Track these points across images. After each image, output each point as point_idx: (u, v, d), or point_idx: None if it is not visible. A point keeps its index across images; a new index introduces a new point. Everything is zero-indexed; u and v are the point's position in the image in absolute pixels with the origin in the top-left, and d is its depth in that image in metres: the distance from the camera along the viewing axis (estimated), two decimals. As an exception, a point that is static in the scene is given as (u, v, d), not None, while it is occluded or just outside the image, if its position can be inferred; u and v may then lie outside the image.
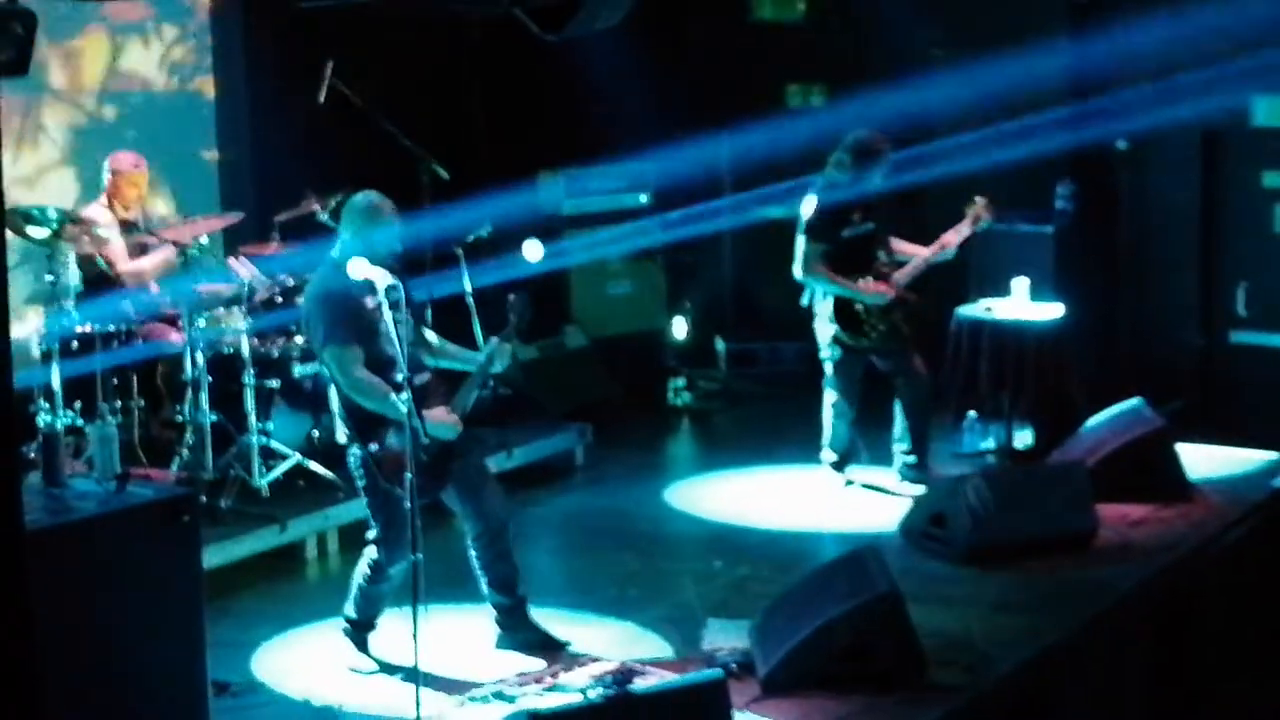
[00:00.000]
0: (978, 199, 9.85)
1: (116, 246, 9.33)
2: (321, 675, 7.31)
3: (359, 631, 7.35)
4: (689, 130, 12.22)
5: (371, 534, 7.26)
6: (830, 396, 9.86)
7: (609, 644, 7.50)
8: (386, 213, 7.27)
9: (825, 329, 9.73)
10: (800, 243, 9.60)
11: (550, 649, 7.36)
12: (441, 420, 7.10)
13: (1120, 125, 11.78)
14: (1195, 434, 10.01)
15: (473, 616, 7.87)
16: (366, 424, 6.96)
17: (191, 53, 11.14)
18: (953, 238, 9.79)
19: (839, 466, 9.97)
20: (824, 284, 9.60)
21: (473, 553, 7.43)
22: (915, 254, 9.79)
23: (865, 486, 9.93)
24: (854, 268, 9.62)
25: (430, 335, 7.58)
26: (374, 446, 6.87)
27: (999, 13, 12.09)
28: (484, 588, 7.47)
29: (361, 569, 7.31)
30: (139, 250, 9.53)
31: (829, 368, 9.83)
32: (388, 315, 6.75)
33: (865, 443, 10.06)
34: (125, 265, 9.36)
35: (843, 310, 9.62)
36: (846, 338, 9.65)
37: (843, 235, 9.61)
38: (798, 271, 9.64)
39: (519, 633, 7.47)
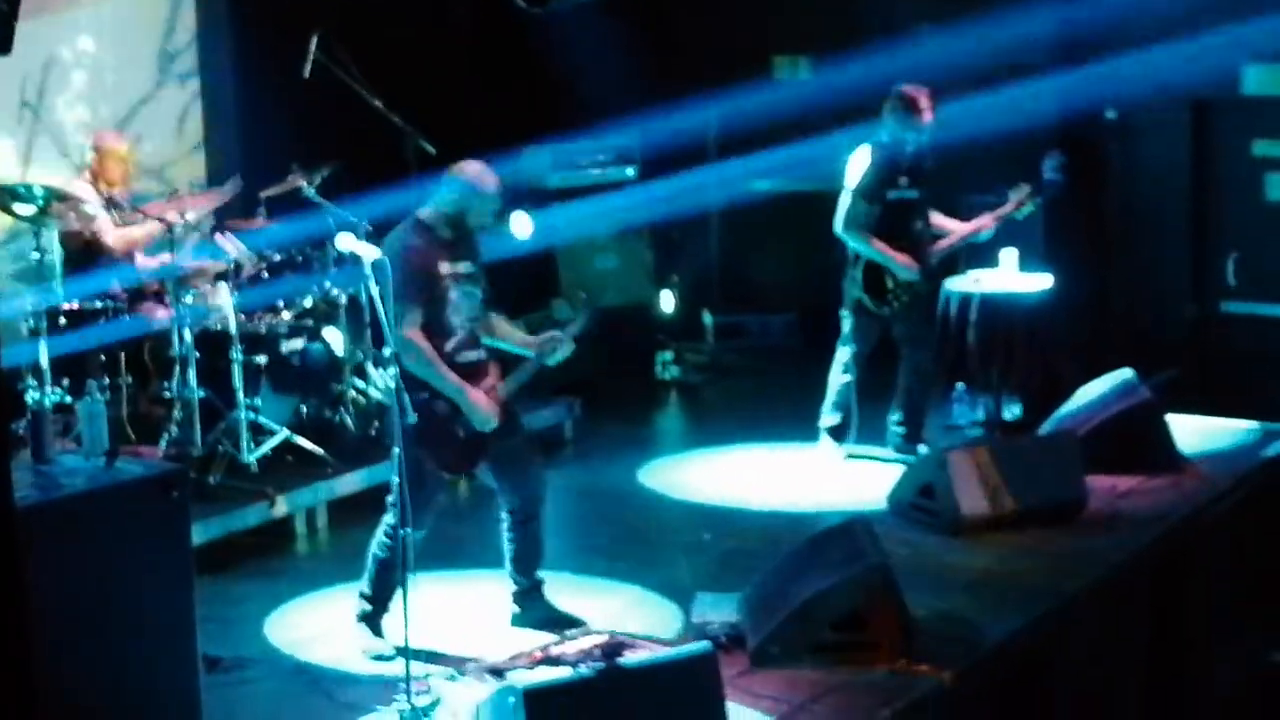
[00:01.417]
0: (1023, 184, 9.86)
1: (103, 220, 9.30)
2: (313, 649, 7.32)
3: (375, 612, 7.28)
4: (676, 103, 12.21)
5: (391, 496, 7.19)
6: (842, 354, 9.84)
7: (598, 617, 7.49)
8: (491, 186, 7.26)
9: (851, 290, 9.71)
10: (847, 198, 9.58)
11: (564, 627, 7.34)
12: (481, 410, 7.09)
13: (1109, 94, 11.78)
14: (1185, 404, 10.01)
15: (464, 591, 7.88)
16: (413, 389, 6.91)
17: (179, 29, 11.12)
18: (990, 220, 9.81)
19: (838, 434, 9.93)
20: (861, 244, 9.57)
21: (503, 527, 7.44)
22: (952, 230, 9.79)
23: (859, 457, 9.90)
24: (893, 232, 9.60)
25: (494, 314, 7.54)
26: (413, 418, 6.82)
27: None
28: (506, 564, 7.48)
29: (377, 537, 7.25)
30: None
31: (846, 326, 9.81)
32: (374, 289, 6.72)
33: (860, 417, 10.00)
34: (113, 235, 9.31)
35: (871, 275, 9.61)
36: (870, 303, 9.64)
37: (889, 197, 9.58)
38: (838, 226, 9.61)
39: (534, 612, 7.48)
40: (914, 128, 9.54)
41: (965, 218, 10.06)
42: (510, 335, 7.52)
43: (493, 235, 10.24)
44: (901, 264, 9.60)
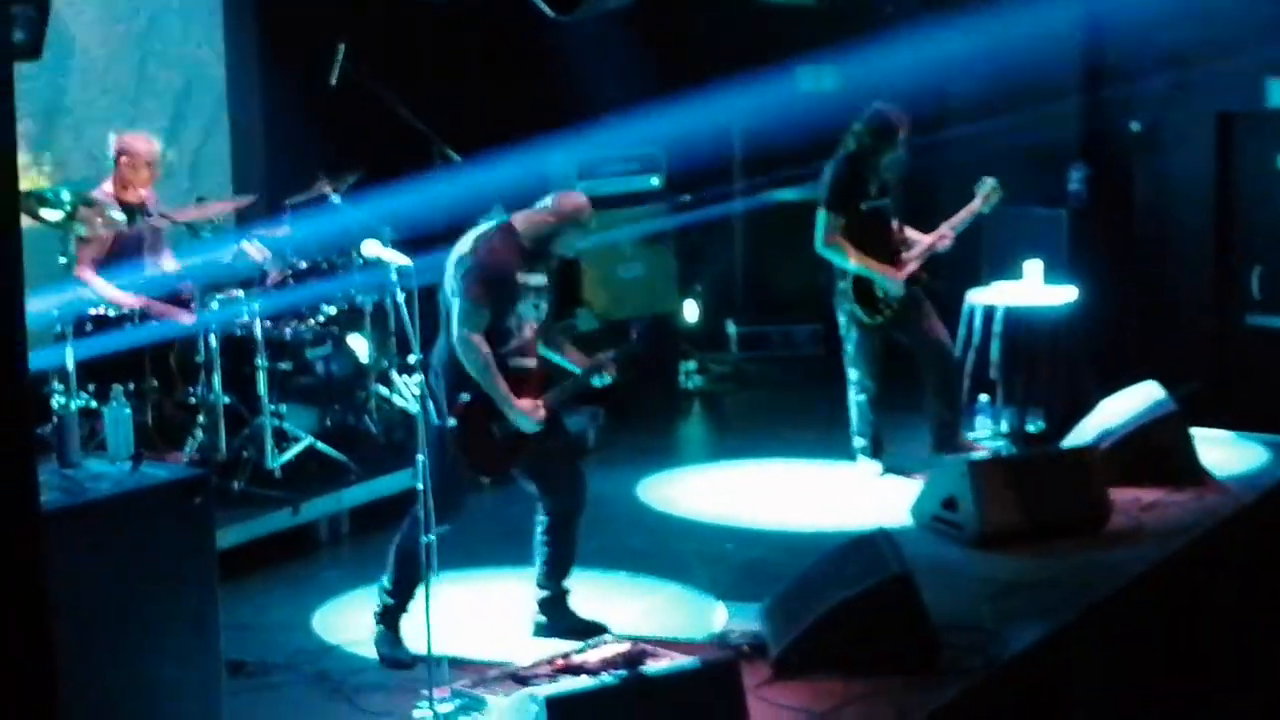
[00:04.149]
0: (987, 179, 9.84)
1: (92, 249, 9.28)
2: (335, 654, 7.33)
3: (395, 606, 7.26)
4: (700, 112, 12.21)
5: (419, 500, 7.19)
6: (852, 374, 9.83)
7: (621, 626, 7.50)
8: (589, 222, 7.32)
9: (844, 304, 9.71)
10: (820, 215, 9.59)
11: (587, 636, 7.35)
12: (524, 412, 7.09)
13: (1134, 107, 11.78)
14: (1209, 417, 10.00)
15: (487, 594, 7.89)
16: (455, 388, 6.94)
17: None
18: (952, 226, 9.78)
19: (873, 452, 9.90)
20: (842, 258, 9.57)
21: (538, 530, 7.44)
22: (917, 242, 9.77)
23: (895, 472, 9.86)
24: (871, 242, 9.59)
25: (555, 326, 7.59)
26: (451, 421, 6.85)
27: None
28: (537, 568, 7.48)
29: (404, 529, 7.20)
30: (150, 233, 9.53)
31: (848, 345, 9.80)
32: (400, 297, 6.73)
33: (887, 430, 9.97)
34: (84, 272, 9.27)
35: (859, 286, 9.61)
36: (863, 315, 9.63)
37: (860, 209, 9.59)
38: (818, 245, 9.61)
39: (559, 621, 7.48)
40: (888, 150, 9.56)
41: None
42: (564, 349, 7.55)
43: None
44: (886, 276, 9.60)
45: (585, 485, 7.50)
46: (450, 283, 7.08)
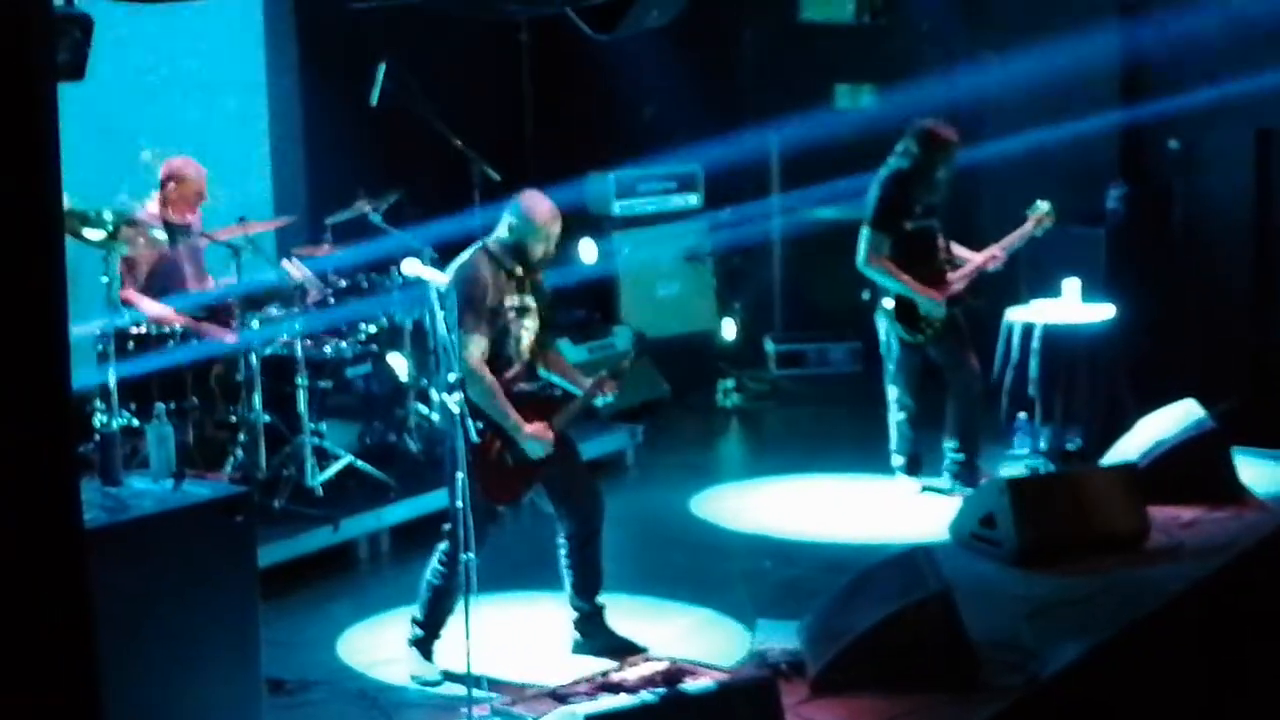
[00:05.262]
0: (1041, 203, 9.80)
1: (135, 269, 9.33)
2: (375, 672, 7.36)
3: (426, 637, 7.31)
4: (738, 131, 12.24)
5: (448, 525, 7.22)
6: (892, 392, 9.83)
7: (659, 644, 7.51)
8: (544, 217, 7.24)
9: (884, 324, 9.71)
10: (864, 233, 9.58)
11: (627, 654, 7.35)
12: (534, 436, 7.12)
13: (1173, 125, 11.76)
14: (1247, 435, 9.95)
15: (524, 614, 7.90)
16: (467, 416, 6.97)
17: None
18: (1004, 247, 9.76)
19: (912, 470, 9.91)
20: (884, 278, 9.56)
21: (561, 552, 7.45)
22: (967, 259, 9.76)
23: (934, 490, 9.86)
24: (915, 262, 9.58)
25: (554, 347, 7.62)
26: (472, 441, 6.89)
27: (1049, 12, 12.07)
28: (566, 589, 7.50)
29: (432, 564, 7.29)
30: (191, 254, 9.58)
31: (889, 364, 9.80)
32: (438, 315, 6.76)
33: (925, 447, 9.97)
34: (128, 292, 9.32)
35: (901, 305, 9.60)
36: (904, 333, 9.62)
37: (906, 227, 9.57)
38: (860, 262, 9.61)
39: (596, 638, 7.49)
40: (943, 164, 9.54)
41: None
42: (565, 371, 7.55)
43: (557, 261, 10.35)
44: (926, 296, 9.59)
45: (602, 505, 7.49)
46: (443, 318, 7.08)
